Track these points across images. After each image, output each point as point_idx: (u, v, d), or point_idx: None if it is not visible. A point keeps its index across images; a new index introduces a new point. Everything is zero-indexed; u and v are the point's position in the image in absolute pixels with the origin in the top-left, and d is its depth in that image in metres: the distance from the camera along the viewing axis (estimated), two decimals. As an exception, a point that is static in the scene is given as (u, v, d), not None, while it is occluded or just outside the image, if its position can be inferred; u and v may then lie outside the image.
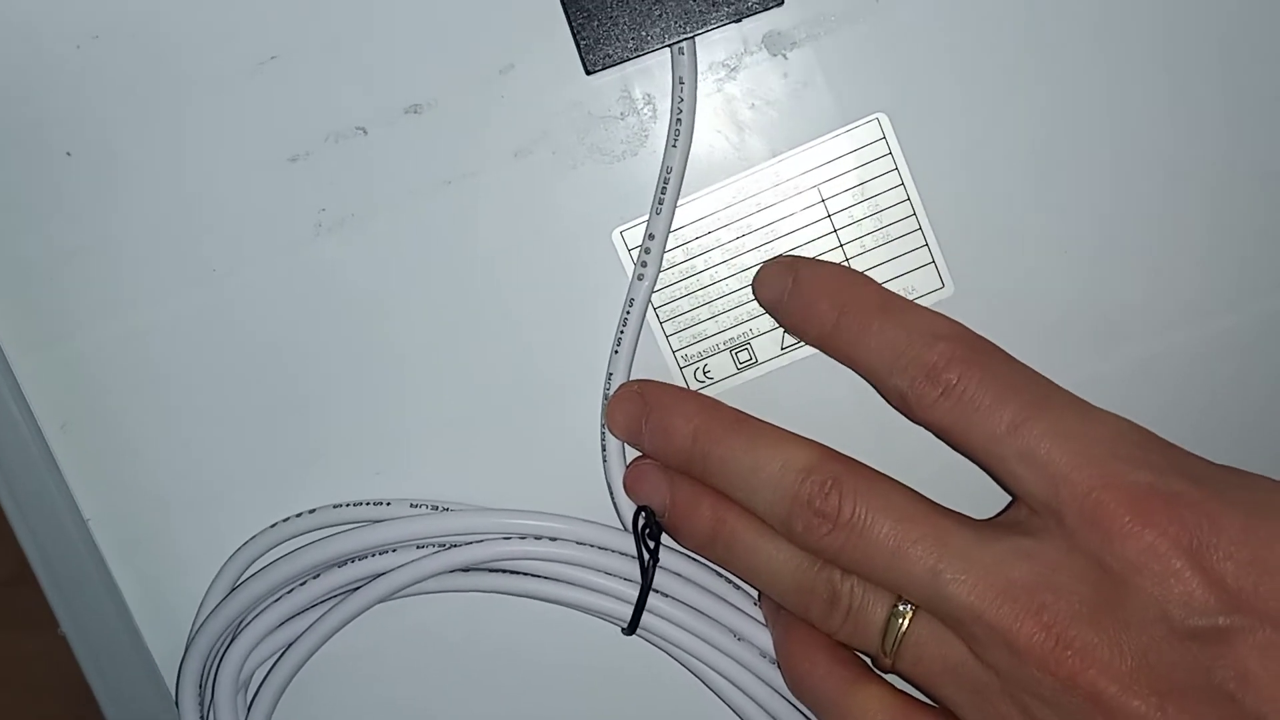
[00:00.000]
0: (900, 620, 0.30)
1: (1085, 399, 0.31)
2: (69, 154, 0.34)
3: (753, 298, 0.35)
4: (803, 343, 0.35)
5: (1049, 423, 0.30)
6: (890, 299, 0.33)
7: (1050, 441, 0.29)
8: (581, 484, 0.35)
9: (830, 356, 0.33)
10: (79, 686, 0.35)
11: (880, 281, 0.34)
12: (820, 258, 0.35)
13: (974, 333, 0.32)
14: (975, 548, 0.30)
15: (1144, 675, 0.28)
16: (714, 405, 0.34)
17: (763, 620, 0.34)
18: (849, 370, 0.33)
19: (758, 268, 0.34)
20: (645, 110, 0.34)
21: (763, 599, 0.35)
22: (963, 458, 0.31)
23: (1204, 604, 0.28)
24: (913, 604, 0.30)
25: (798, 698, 0.34)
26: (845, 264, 0.35)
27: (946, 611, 0.30)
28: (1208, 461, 0.30)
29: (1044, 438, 0.29)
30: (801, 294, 0.33)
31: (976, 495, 0.32)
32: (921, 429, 0.32)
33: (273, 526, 0.35)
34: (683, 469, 0.33)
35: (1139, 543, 0.28)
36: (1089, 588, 0.28)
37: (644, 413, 0.34)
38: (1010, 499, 0.32)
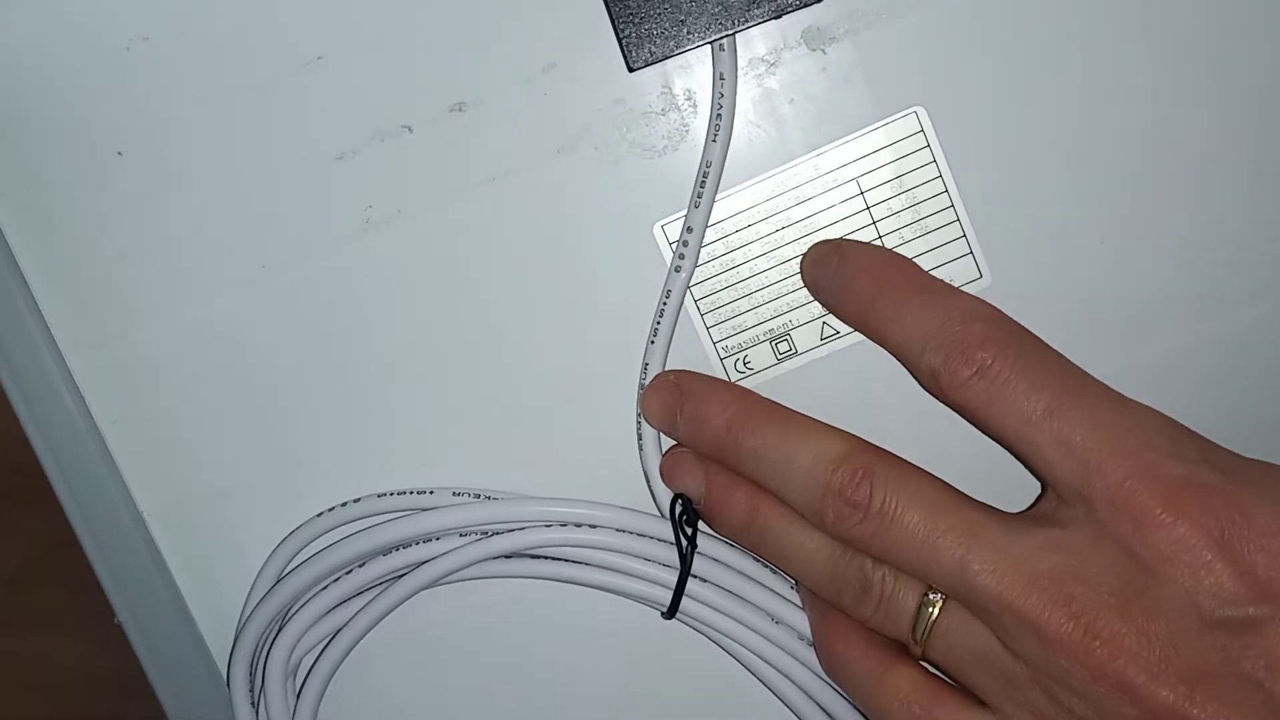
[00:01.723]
0: (930, 609, 0.31)
1: (1119, 390, 0.31)
2: (120, 154, 0.35)
3: (793, 289, 0.36)
4: (841, 326, 0.36)
5: (1084, 411, 0.30)
6: (929, 281, 0.34)
7: (1085, 430, 0.30)
8: (620, 472, 0.36)
9: (865, 335, 0.34)
10: (135, 674, 0.36)
11: (919, 271, 0.35)
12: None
13: (1010, 317, 0.32)
14: (1004, 538, 0.30)
15: (1173, 665, 0.28)
16: (747, 395, 0.35)
17: (799, 604, 0.36)
18: (888, 361, 0.33)
19: (803, 252, 0.35)
20: (686, 106, 0.35)
21: (799, 583, 0.36)
22: (997, 451, 0.32)
23: (1234, 594, 0.28)
24: (943, 593, 0.31)
25: (833, 679, 0.35)
26: (887, 251, 0.35)
27: (975, 601, 0.30)
28: (1238, 454, 0.31)
29: (1079, 426, 0.30)
30: (844, 272, 0.34)
31: (1011, 489, 0.33)
32: (958, 423, 0.32)
33: (319, 516, 0.37)
34: (717, 457, 0.34)
35: (1170, 533, 0.29)
36: (1118, 578, 0.29)
37: (679, 402, 0.35)
38: (1039, 490, 0.33)
